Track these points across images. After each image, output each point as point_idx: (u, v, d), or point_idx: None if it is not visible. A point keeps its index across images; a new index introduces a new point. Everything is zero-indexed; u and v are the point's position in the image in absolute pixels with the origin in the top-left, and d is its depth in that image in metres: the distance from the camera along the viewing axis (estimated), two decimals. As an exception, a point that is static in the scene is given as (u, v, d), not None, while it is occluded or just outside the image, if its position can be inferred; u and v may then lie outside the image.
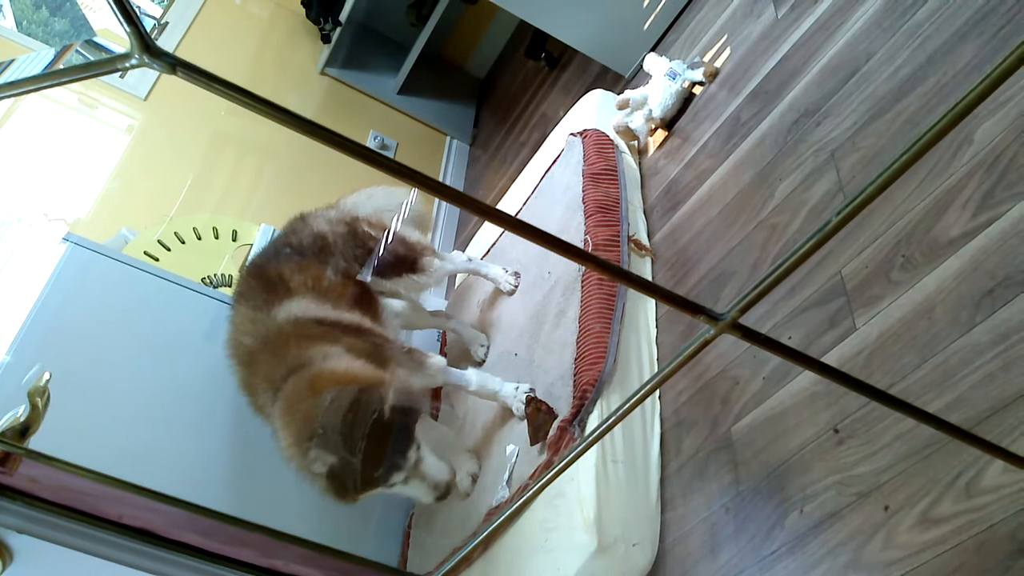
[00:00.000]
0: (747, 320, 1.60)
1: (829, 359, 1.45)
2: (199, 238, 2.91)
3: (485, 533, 0.71)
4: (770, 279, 0.43)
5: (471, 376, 2.07)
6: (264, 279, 2.02)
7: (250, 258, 2.21)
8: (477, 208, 0.45)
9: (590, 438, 0.65)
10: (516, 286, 2.43)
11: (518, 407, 1.99)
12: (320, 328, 1.90)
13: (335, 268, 2.05)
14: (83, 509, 0.62)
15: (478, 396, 2.08)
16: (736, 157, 2.00)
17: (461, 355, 2.56)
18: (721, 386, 1.67)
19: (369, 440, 1.62)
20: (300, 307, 1.94)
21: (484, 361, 2.46)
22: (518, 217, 2.70)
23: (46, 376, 0.67)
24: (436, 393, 2.56)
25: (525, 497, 0.73)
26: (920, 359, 1.28)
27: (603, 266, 0.46)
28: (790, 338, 1.56)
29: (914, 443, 1.23)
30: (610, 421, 0.58)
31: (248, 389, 1.95)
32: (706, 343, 0.46)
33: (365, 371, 1.76)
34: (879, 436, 1.29)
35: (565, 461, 0.66)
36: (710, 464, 1.60)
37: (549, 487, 1.75)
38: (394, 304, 2.23)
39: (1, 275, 2.75)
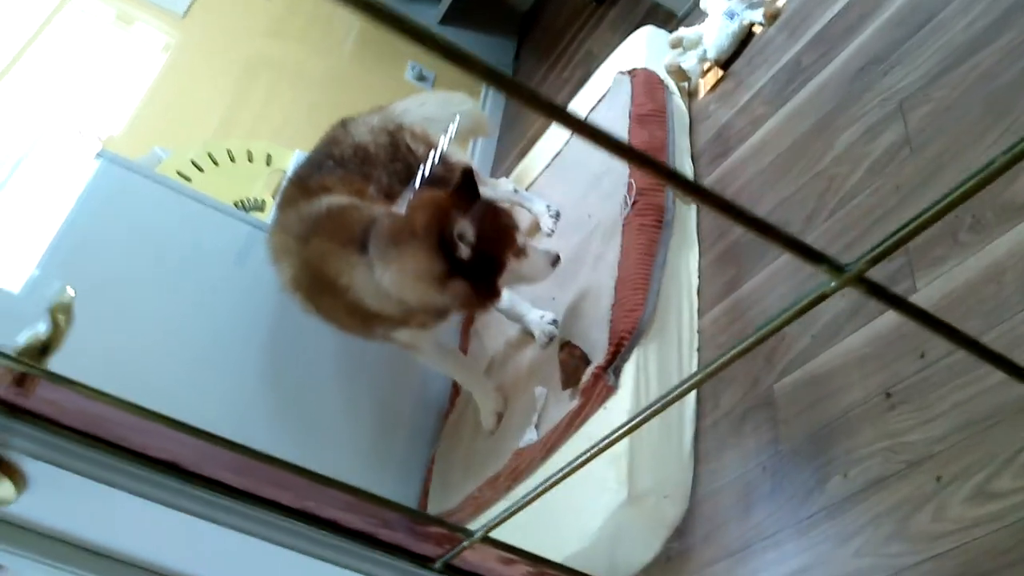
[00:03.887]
0: (798, 277, 1.52)
1: (884, 321, 1.38)
2: (233, 160, 2.86)
3: (531, 496, 0.65)
4: (916, 224, 0.37)
5: (503, 294, 2.09)
6: (308, 189, 2.02)
7: (292, 172, 2.21)
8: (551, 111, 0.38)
9: (647, 413, 0.58)
10: (554, 230, 2.37)
11: (540, 334, 2.03)
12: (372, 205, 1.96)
13: (377, 184, 2.04)
14: (105, 437, 0.58)
15: (505, 315, 2.12)
16: (794, 104, 1.90)
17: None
18: (765, 342, 1.60)
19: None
20: (346, 200, 1.97)
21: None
22: (559, 157, 2.62)
23: (71, 292, 0.63)
24: (465, 329, 2.53)
25: (569, 468, 0.65)
26: (986, 325, 1.21)
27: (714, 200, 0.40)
28: (843, 296, 1.49)
29: (973, 414, 1.17)
30: (684, 387, 0.53)
31: (307, 271, 1.93)
32: (823, 297, 0.40)
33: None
34: (935, 404, 1.22)
35: (605, 442, 0.60)
36: (748, 420, 1.55)
37: (579, 433, 1.71)
38: None
39: (33, 189, 2.72)
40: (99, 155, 2.41)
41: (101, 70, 3.30)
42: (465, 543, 0.58)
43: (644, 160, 0.40)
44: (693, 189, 0.39)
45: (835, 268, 0.36)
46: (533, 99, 0.37)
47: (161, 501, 0.55)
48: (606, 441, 0.60)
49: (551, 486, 0.65)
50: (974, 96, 1.48)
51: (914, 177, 1.48)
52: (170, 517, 0.55)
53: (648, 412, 0.55)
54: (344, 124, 2.22)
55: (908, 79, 1.62)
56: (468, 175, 1.78)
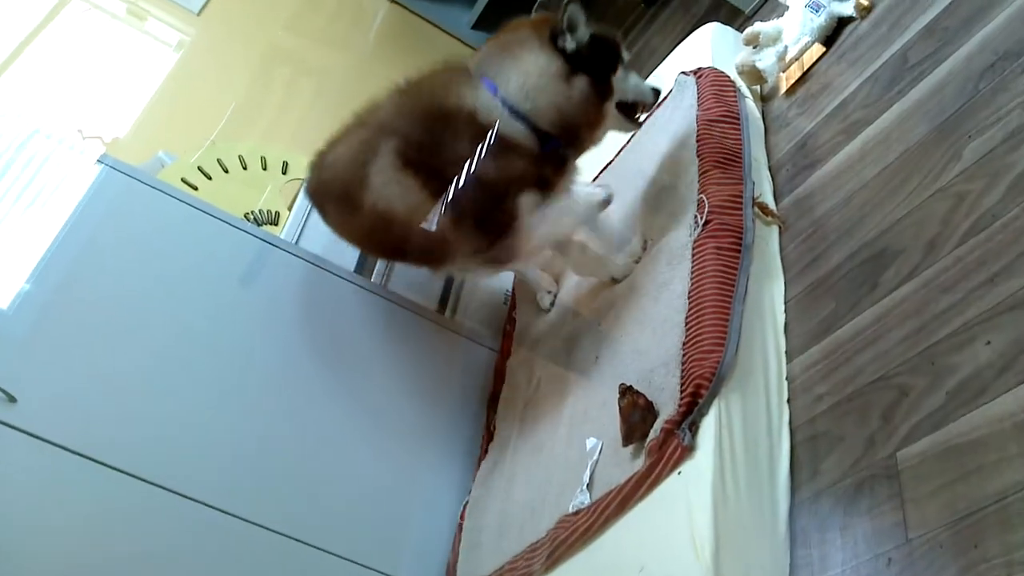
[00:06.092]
0: (922, 318, 1.18)
1: (1054, 378, 1.08)
2: (244, 167, 2.60)
3: None
4: None
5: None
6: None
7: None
8: None
9: None
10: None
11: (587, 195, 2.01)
12: None
13: None
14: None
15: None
16: (901, 108, 1.61)
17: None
18: (881, 396, 1.30)
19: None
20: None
21: (549, 310, 2.21)
22: (610, 169, 2.33)
23: None
24: (502, 358, 2.25)
25: None
26: None
27: None
28: (989, 343, 1.18)
29: None
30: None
31: (415, 139, 1.84)
32: None
33: None
34: None
35: None
36: (863, 496, 1.25)
37: (645, 502, 1.41)
38: None
39: (26, 195, 2.47)
40: (100, 160, 2.17)
41: (108, 67, 3.06)
42: None
43: None
44: None
45: None
46: None
47: None
48: None
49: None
50: None
51: (1078, 195, 1.18)
52: None
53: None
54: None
55: (1058, 77, 1.33)
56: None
